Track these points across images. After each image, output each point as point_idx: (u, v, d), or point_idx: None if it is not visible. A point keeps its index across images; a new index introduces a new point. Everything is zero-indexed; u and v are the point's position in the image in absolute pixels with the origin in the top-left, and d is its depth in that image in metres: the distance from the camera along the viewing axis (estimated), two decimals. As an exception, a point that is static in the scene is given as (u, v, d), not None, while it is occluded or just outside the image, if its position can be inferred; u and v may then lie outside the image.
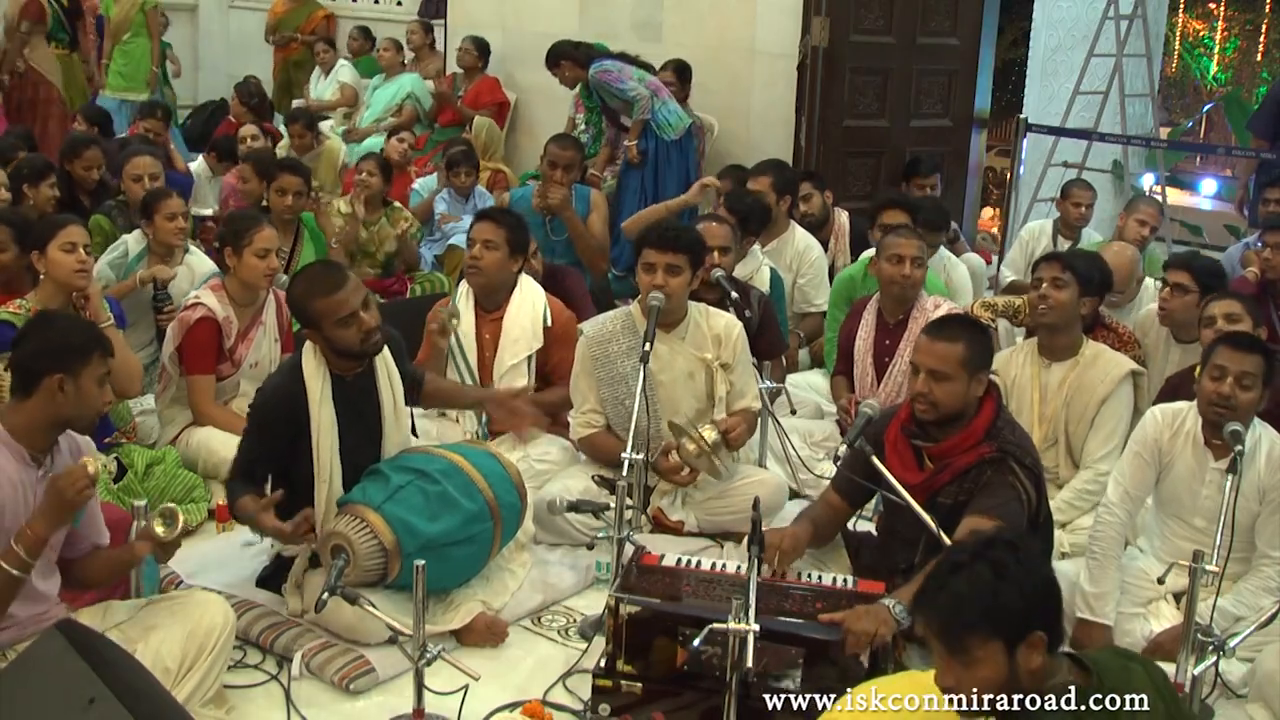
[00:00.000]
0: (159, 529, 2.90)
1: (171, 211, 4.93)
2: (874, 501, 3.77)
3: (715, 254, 4.59)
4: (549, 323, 4.53)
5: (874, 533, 3.77)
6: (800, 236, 5.92)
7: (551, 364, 4.53)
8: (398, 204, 6.45)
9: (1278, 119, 6.89)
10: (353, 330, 3.44)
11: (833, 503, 3.64)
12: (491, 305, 4.57)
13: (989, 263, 7.46)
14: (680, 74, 7.51)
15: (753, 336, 4.46)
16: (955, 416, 3.37)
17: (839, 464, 3.70)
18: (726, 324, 4.22)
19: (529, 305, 4.56)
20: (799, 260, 5.85)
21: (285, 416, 3.48)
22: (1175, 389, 4.11)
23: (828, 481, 3.81)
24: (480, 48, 8.59)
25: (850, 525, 3.77)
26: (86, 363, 2.85)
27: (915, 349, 3.46)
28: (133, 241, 5.07)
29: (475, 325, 4.56)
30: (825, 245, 6.12)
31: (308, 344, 3.55)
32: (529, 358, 4.51)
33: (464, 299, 4.62)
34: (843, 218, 6.36)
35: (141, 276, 4.87)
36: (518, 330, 4.52)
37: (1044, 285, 4.24)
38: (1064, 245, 6.28)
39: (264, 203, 5.75)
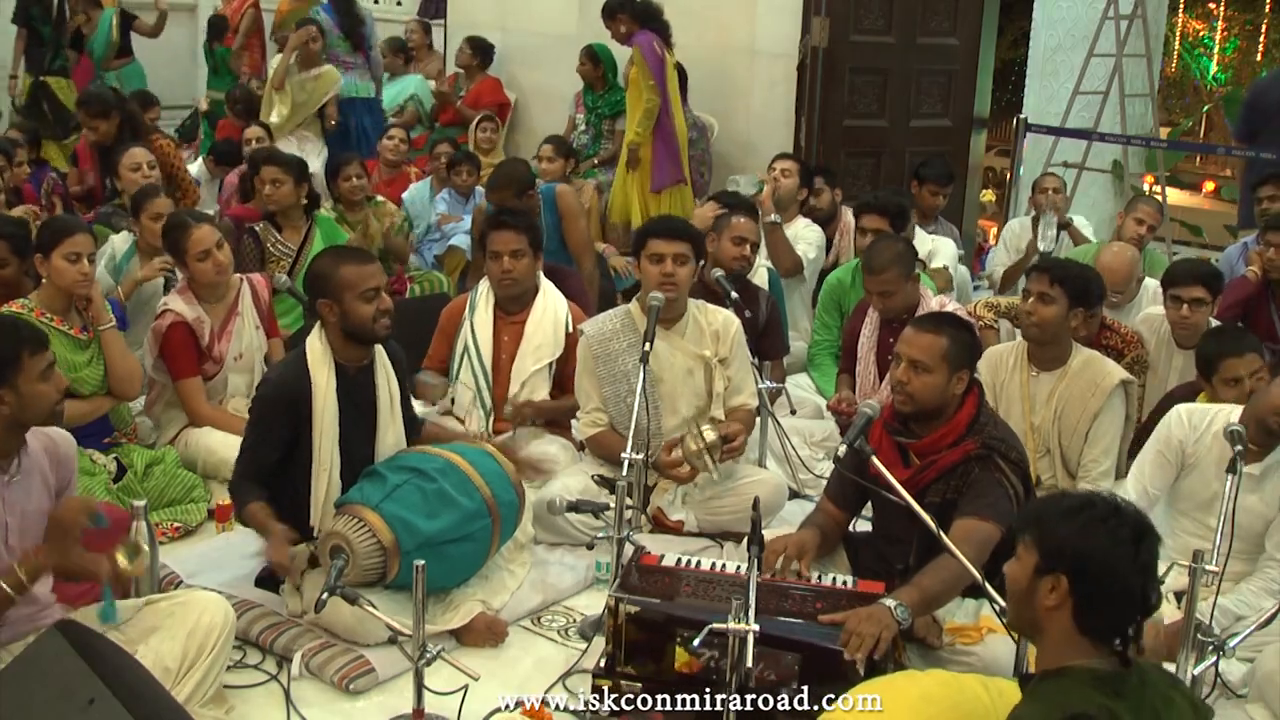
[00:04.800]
0: (121, 559, 2.76)
1: (157, 211, 4.91)
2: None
3: (746, 247, 4.69)
4: (570, 329, 4.48)
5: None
6: (803, 224, 5.96)
7: (569, 371, 4.44)
8: (380, 198, 6.38)
9: (1249, 122, 6.91)
10: (371, 307, 3.50)
11: (829, 511, 3.64)
12: (514, 308, 4.53)
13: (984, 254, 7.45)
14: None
15: (757, 336, 4.45)
16: (934, 413, 3.38)
17: (837, 464, 3.70)
18: (725, 319, 4.23)
19: (552, 311, 4.52)
20: (794, 241, 5.87)
21: (288, 406, 3.51)
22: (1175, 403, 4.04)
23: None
24: (476, 48, 8.58)
25: (850, 525, 3.76)
26: (19, 368, 2.75)
27: (901, 339, 3.47)
28: (119, 241, 5.07)
29: (494, 327, 4.52)
30: (831, 242, 6.13)
31: (313, 333, 3.59)
32: (549, 365, 4.48)
33: (483, 299, 4.57)
34: (849, 216, 6.34)
35: (142, 276, 4.86)
36: (540, 336, 4.48)
37: (1030, 299, 4.17)
38: (1046, 233, 6.28)
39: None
